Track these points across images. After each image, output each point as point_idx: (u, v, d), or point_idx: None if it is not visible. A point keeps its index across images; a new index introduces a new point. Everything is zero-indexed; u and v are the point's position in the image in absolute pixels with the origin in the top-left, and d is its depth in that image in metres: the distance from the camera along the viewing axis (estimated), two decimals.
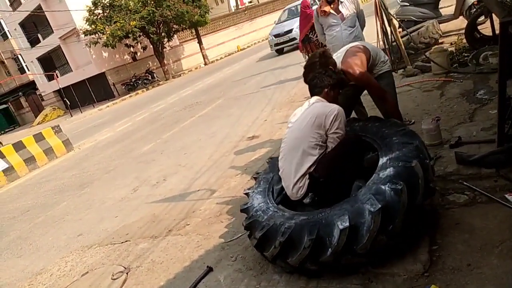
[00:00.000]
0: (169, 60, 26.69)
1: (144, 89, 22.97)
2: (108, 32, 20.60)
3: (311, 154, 2.46)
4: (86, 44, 22.05)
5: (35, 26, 29.09)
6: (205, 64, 25.82)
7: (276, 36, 15.40)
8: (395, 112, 3.07)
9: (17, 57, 35.03)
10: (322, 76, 2.71)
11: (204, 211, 3.63)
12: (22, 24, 29.17)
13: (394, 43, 5.66)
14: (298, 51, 8.95)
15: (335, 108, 2.49)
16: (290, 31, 14.87)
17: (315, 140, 2.46)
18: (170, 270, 2.84)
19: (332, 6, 3.89)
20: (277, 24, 16.86)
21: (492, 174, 2.47)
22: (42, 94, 32.55)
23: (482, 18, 5.97)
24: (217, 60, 25.98)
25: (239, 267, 2.55)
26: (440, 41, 6.60)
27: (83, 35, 22.08)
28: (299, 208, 2.50)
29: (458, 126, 3.37)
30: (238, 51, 27.26)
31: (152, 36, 22.15)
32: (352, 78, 2.94)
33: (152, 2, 21.39)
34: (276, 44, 15.47)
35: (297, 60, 10.18)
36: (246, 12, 32.16)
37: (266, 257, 2.30)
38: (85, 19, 21.25)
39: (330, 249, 1.94)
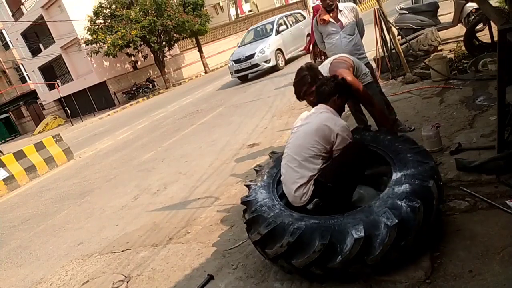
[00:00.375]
0: (169, 69, 26.83)
1: (145, 98, 23.02)
2: (109, 42, 20.73)
3: (314, 163, 2.47)
4: (87, 53, 22.18)
5: (36, 36, 29.31)
6: (206, 72, 25.94)
7: (236, 62, 13.14)
8: (382, 116, 3.28)
9: (19, 66, 35.31)
10: (330, 83, 2.69)
11: (204, 219, 3.62)
12: (24, 34, 29.40)
13: (394, 51, 5.70)
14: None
15: (343, 125, 2.50)
16: (251, 56, 12.65)
17: (318, 150, 2.46)
18: (171, 279, 2.83)
19: (331, 14, 3.92)
20: (239, 46, 14.43)
21: (493, 180, 2.48)
22: (43, 103, 32.72)
23: (480, 25, 6.03)
24: (217, 68, 26.05)
25: (240, 275, 2.54)
26: (439, 48, 6.65)
27: (84, 45, 22.22)
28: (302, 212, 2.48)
29: (458, 132, 3.38)
30: None
31: (153, 45, 22.25)
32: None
33: (153, 12, 21.55)
34: (237, 71, 13.22)
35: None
36: (246, 20, 32.34)
37: (267, 254, 2.24)
38: (86, 28, 21.43)
39: (340, 256, 1.93)
